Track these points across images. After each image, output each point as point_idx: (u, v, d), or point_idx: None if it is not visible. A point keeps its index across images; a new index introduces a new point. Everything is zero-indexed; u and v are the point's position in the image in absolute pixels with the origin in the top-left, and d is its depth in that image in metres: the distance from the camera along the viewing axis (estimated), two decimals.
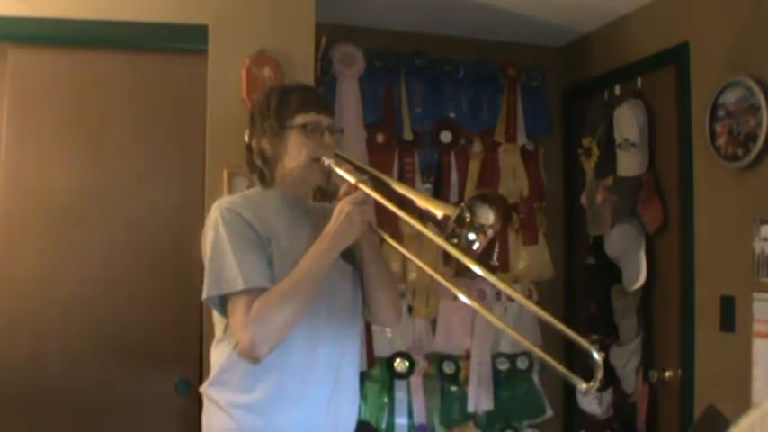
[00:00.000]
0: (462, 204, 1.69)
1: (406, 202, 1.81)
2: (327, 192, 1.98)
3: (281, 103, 1.88)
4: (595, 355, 1.48)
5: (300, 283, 1.75)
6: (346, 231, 1.76)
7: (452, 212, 1.66)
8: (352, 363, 1.92)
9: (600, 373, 1.46)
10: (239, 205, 1.83)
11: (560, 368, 1.55)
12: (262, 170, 1.89)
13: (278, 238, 1.81)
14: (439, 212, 1.69)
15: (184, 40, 2.69)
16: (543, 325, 3.08)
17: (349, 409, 1.91)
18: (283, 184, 1.90)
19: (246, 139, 1.94)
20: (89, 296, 2.60)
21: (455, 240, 1.68)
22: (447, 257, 1.69)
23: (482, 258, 1.71)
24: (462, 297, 1.71)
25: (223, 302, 1.78)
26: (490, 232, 1.70)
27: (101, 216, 2.64)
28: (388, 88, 3.42)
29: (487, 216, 1.70)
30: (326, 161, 1.86)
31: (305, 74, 2.70)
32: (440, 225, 1.68)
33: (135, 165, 2.68)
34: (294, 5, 2.75)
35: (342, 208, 1.77)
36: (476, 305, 1.76)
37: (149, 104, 2.70)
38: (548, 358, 1.60)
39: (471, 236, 1.70)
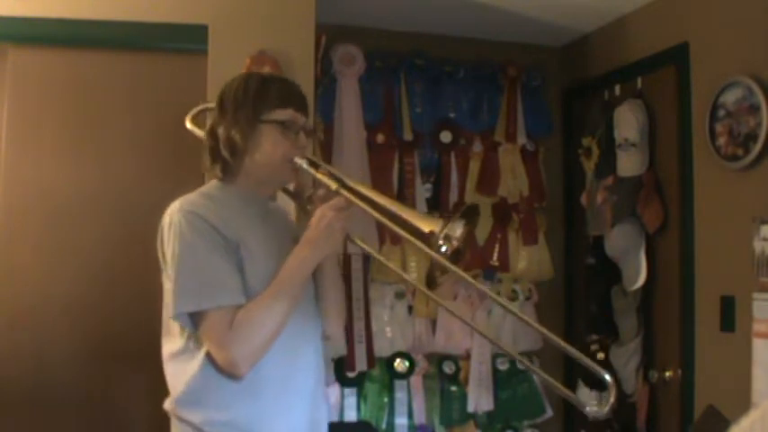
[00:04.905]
0: (447, 223, 1.62)
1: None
2: (292, 192, 1.88)
3: (259, 94, 1.73)
4: (607, 377, 1.48)
5: (281, 295, 1.65)
6: (327, 239, 1.67)
7: (437, 228, 1.60)
8: (320, 365, 1.83)
9: (612, 397, 1.45)
10: (202, 207, 1.69)
11: (565, 391, 1.54)
12: (227, 161, 1.73)
13: (246, 242, 1.68)
14: (425, 228, 1.62)
15: (184, 40, 2.69)
16: (544, 323, 3.06)
17: (324, 413, 1.83)
18: (246, 179, 1.76)
19: (207, 125, 1.80)
20: (89, 296, 2.61)
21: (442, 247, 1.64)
22: (430, 281, 1.67)
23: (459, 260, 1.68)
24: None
25: (192, 316, 1.63)
26: (455, 243, 1.64)
27: (100, 216, 2.64)
28: (388, 88, 3.42)
29: (457, 231, 1.64)
30: (299, 162, 1.74)
31: (305, 74, 2.70)
32: (425, 238, 1.62)
33: (135, 164, 2.68)
34: (294, 5, 2.75)
35: (323, 214, 1.67)
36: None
37: (149, 104, 2.71)
38: (551, 379, 1.59)
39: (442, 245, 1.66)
